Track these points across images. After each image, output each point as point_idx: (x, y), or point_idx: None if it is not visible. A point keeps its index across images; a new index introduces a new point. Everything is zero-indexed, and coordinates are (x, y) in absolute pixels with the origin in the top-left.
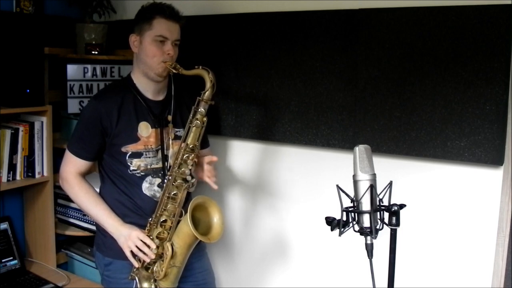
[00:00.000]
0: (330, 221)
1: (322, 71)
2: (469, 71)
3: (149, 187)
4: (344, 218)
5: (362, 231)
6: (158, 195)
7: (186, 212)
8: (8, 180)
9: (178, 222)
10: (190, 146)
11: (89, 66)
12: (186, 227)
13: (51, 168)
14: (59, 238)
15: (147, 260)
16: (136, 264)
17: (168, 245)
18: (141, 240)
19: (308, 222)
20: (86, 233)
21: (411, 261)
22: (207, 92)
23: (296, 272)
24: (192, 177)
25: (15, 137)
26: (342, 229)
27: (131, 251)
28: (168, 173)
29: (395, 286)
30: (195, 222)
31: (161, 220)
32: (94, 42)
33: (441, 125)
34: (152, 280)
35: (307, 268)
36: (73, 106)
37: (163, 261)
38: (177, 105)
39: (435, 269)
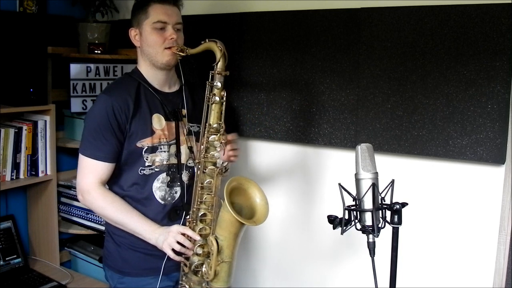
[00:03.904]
0: (332, 220)
1: (324, 70)
2: (470, 70)
3: (161, 186)
4: (346, 217)
5: (364, 230)
6: (167, 196)
7: (223, 200)
8: (11, 179)
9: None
10: (214, 126)
11: (92, 65)
12: (226, 214)
13: (54, 167)
14: (62, 237)
15: (189, 254)
16: (180, 259)
17: (211, 239)
18: (182, 234)
19: (309, 221)
20: (90, 232)
21: (413, 259)
22: (219, 63)
23: (296, 271)
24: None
25: (18, 136)
26: (344, 228)
27: (174, 250)
28: (196, 161)
29: (397, 284)
30: (235, 208)
31: (200, 215)
32: (97, 42)
33: (443, 124)
34: (204, 284)
35: (308, 266)
36: (76, 105)
37: (210, 259)
38: (191, 98)
39: (437, 268)
